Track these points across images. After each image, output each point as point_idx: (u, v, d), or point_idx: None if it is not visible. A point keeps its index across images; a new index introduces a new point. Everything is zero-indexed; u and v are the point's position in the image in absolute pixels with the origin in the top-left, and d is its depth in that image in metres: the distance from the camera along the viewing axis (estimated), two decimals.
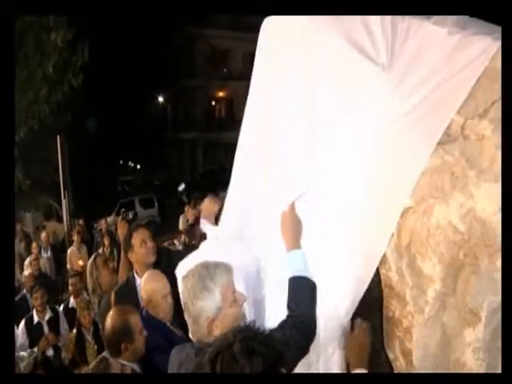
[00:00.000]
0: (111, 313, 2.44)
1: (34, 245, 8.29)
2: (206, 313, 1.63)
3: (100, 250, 7.30)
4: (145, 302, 2.61)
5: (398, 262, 1.64)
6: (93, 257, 4.11)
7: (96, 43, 13.12)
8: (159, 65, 28.97)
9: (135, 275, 3.24)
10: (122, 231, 3.72)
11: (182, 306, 1.70)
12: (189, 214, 7.27)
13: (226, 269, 1.72)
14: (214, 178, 21.72)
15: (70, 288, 5.24)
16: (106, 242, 8.09)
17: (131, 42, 24.68)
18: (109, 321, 2.39)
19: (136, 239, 3.22)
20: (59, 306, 5.45)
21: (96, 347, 4.18)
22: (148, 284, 2.65)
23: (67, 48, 11.83)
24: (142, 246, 3.17)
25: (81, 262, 7.06)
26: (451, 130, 1.64)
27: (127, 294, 3.17)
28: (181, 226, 8.56)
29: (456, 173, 1.59)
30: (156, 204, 19.80)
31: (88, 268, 3.94)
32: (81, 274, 5.77)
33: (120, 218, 3.37)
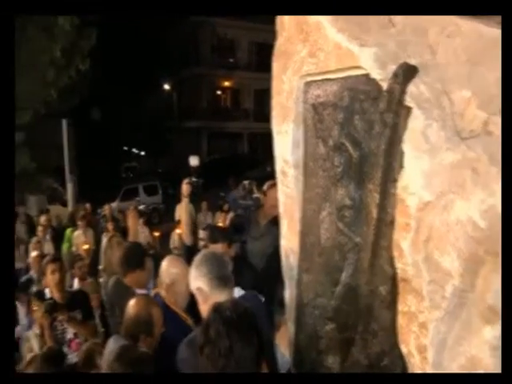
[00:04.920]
0: (136, 301, 2.43)
1: (39, 228, 8.30)
2: None
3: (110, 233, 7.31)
4: (166, 286, 2.60)
5: (415, 256, 1.63)
6: (109, 236, 4.13)
7: (103, 29, 13.07)
8: (165, 53, 28.85)
9: None
10: (132, 221, 3.78)
11: None
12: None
13: None
14: (219, 167, 21.72)
15: (77, 271, 5.25)
16: (110, 227, 8.11)
17: (138, 29, 24.56)
18: (132, 310, 2.38)
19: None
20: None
21: (103, 329, 4.19)
22: (172, 268, 2.64)
23: (75, 32, 11.78)
24: None
25: (86, 246, 7.07)
26: (474, 126, 1.62)
27: None
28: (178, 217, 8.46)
29: (478, 169, 1.57)
30: (160, 191, 19.82)
31: (103, 246, 3.96)
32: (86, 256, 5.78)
33: (132, 207, 3.44)
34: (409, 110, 1.77)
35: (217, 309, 1.58)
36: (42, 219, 9.04)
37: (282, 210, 2.48)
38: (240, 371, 1.42)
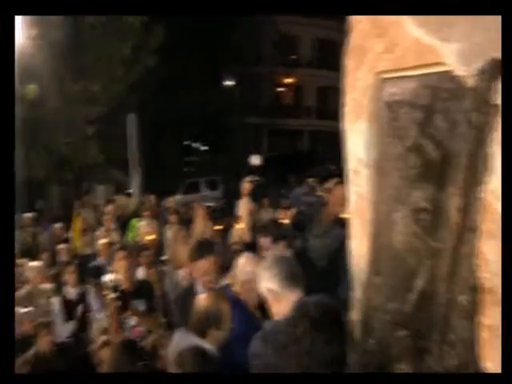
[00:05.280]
0: (206, 296, 2.48)
1: (106, 217, 8.64)
2: None
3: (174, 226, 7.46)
4: (241, 283, 2.63)
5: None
6: (175, 229, 4.26)
7: (170, 27, 13.37)
8: (228, 49, 29.10)
9: None
10: (200, 219, 3.93)
11: None
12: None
13: None
14: (279, 164, 21.71)
15: (144, 259, 5.40)
16: (173, 219, 8.29)
17: (201, 26, 24.95)
18: (202, 304, 2.42)
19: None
20: None
21: (165, 319, 4.30)
22: (248, 266, 2.68)
23: (144, 30, 12.16)
24: None
25: (151, 237, 7.26)
26: None
27: None
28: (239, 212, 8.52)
29: None
30: (221, 186, 20.09)
31: (169, 239, 4.10)
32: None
33: (201, 206, 3.57)
34: (498, 108, 1.66)
35: (302, 307, 1.56)
36: (109, 208, 9.39)
37: (352, 209, 2.42)
38: (324, 371, 1.38)
